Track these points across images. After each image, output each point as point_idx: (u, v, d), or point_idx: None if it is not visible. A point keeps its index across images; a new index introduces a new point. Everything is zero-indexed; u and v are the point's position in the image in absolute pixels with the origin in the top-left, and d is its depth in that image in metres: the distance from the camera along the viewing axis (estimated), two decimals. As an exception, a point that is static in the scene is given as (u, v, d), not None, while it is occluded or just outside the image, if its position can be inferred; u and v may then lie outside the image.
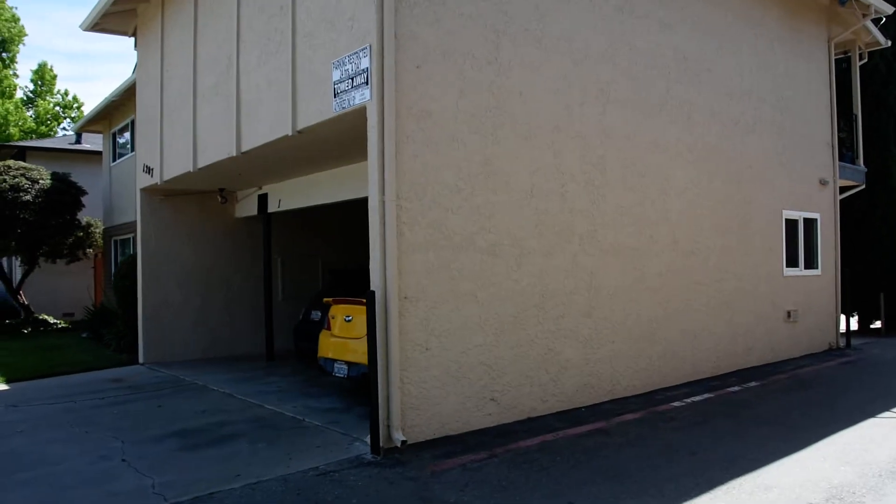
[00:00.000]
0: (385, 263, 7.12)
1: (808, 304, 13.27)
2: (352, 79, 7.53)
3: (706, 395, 9.67)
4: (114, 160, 20.08)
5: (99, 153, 22.09)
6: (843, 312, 14.83)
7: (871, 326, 17.67)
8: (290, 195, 12.57)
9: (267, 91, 9.22)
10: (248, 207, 14.03)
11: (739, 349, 11.49)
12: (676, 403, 9.17)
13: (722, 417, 8.50)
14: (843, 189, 15.20)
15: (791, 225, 12.97)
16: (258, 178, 12.82)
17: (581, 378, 8.87)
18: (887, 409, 8.93)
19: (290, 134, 8.63)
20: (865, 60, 15.95)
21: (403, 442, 7.09)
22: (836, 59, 15.69)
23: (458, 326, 7.66)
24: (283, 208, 12.82)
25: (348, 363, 8.86)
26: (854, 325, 18.02)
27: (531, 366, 8.31)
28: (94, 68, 73.95)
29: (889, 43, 15.60)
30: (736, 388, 10.17)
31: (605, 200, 9.22)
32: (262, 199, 13.42)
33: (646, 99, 9.91)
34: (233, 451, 7.29)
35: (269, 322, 13.53)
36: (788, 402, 9.37)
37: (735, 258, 11.42)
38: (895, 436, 7.64)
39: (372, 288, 7.18)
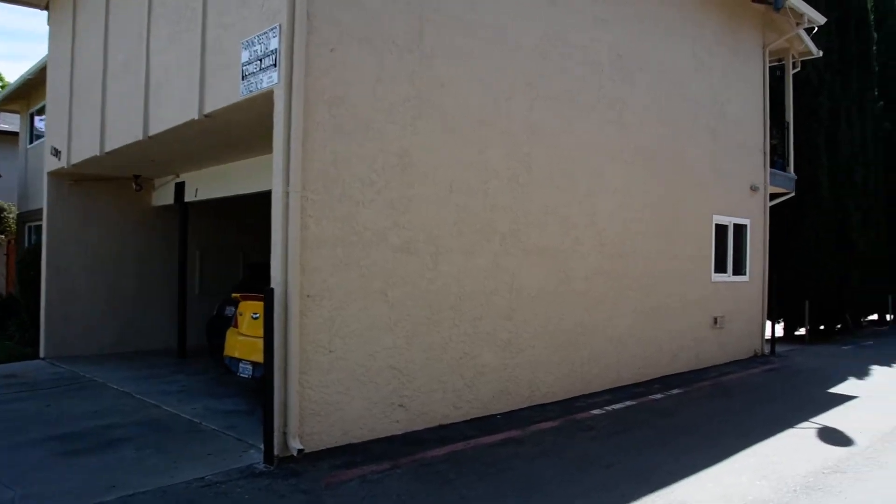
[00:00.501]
0: (287, 259, 6.60)
1: (736, 311, 13.16)
2: (260, 60, 6.98)
3: (628, 403, 9.39)
4: (30, 142, 18.98)
5: (16, 134, 20.89)
6: (769, 319, 14.80)
7: (797, 333, 17.79)
8: (207, 184, 11.90)
9: (176, 71, 8.58)
10: (165, 196, 13.29)
11: (665, 355, 11.27)
12: (597, 411, 8.85)
13: (642, 426, 8.20)
14: (773, 196, 15.17)
15: (721, 230, 12.83)
16: (174, 166, 12.11)
17: (498, 384, 8.48)
18: (806, 419, 8.76)
19: (196, 118, 8.02)
20: (798, 69, 16.00)
21: (300, 451, 6.57)
22: (770, 67, 15.71)
23: (366, 327, 7.18)
24: (200, 198, 12.14)
25: (253, 363, 8.29)
26: (780, 331, 18.14)
27: (444, 370, 7.88)
28: (30, 47, 71.08)
29: (821, 53, 15.66)
30: (659, 396, 9.92)
31: (531, 199, 8.84)
32: (179, 188, 12.71)
33: (577, 96, 9.57)
34: (116, 458, 6.67)
35: (182, 316, 12.81)
36: (710, 411, 9.15)
37: (664, 263, 11.18)
38: (811, 448, 7.45)
39: (272, 285, 6.66)
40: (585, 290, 9.65)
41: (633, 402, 9.42)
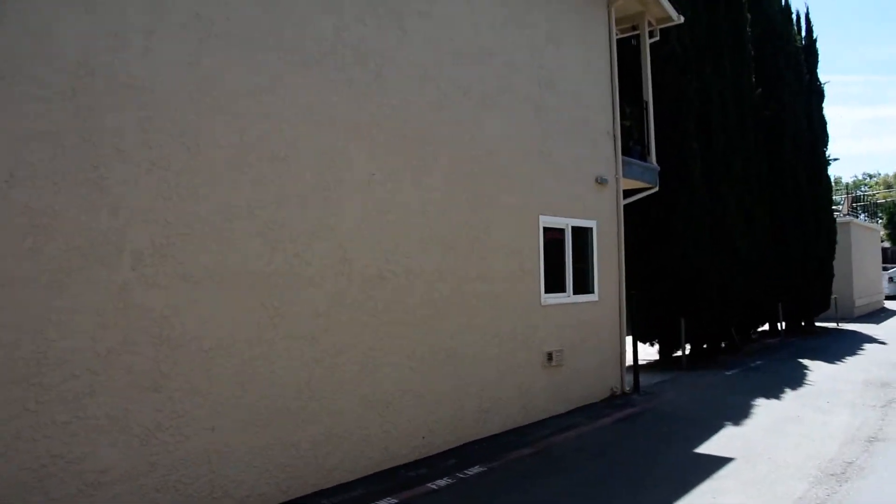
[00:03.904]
0: None
1: (581, 341, 10.26)
2: None
3: (387, 502, 6.25)
4: None
5: None
6: (638, 342, 12.03)
7: (675, 355, 15.18)
8: None
9: None
10: None
11: (469, 414, 8.21)
12: (322, 528, 5.67)
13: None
14: (631, 192, 12.50)
15: (554, 236, 9.92)
16: None
17: (136, 498, 5.17)
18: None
19: None
20: (657, 38, 13.43)
21: None
22: (626, 38, 13.17)
23: None
24: None
25: None
26: (655, 355, 15.53)
27: (9, 488, 4.53)
28: None
29: (681, 18, 13.16)
30: (443, 483, 6.83)
31: (197, 195, 5.62)
32: None
33: (292, 40, 6.44)
34: None
35: None
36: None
37: (462, 283, 8.16)
38: None
39: None
40: (318, 334, 6.48)
41: (394, 501, 6.28)
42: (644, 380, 12.59)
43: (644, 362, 15.20)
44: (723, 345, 16.84)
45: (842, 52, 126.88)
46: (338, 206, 6.73)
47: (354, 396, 6.80)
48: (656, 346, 15.48)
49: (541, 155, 9.63)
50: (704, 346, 16.23)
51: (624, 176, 11.69)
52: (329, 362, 6.57)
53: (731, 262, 15.86)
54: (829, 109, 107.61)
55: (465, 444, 8.10)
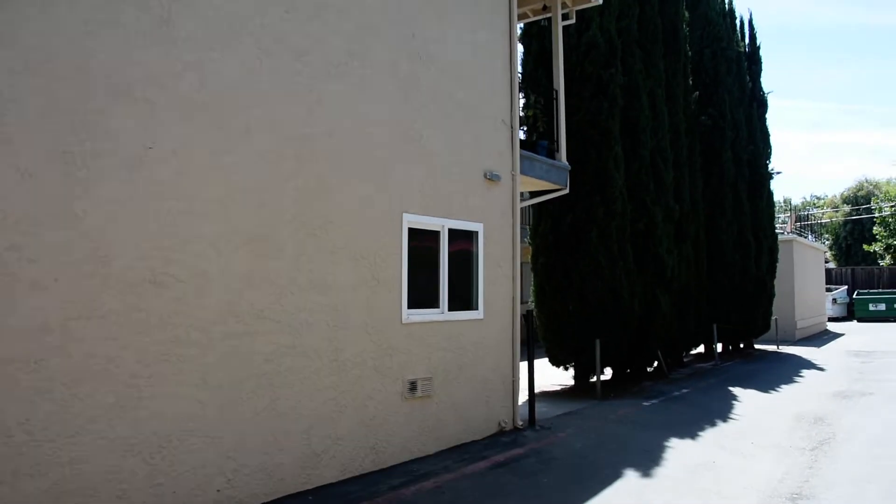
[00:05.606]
0: None
1: (459, 367, 8.85)
2: None
3: (131, 586, 4.72)
4: None
5: None
6: (554, 365, 10.67)
7: (592, 380, 13.87)
8: None
9: None
10: None
11: (292, 459, 6.69)
12: None
13: None
14: (537, 193, 11.19)
15: (426, 240, 8.52)
16: None
17: None
18: None
19: None
20: (573, 21, 12.22)
21: None
22: (539, 21, 11.98)
23: None
24: None
25: None
26: (571, 380, 14.24)
27: None
28: None
29: (601, 0, 11.91)
30: (225, 554, 5.31)
31: None
32: None
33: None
34: None
35: None
36: None
37: (285, 293, 6.67)
38: None
39: None
40: (46, 355, 4.94)
41: (140, 585, 4.75)
42: (549, 410, 11.27)
43: (558, 388, 13.96)
44: (649, 369, 15.65)
45: (802, 78, 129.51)
46: (88, 185, 5.20)
47: (104, 439, 5.24)
48: (572, 371, 14.16)
49: (408, 140, 8.22)
50: (628, 370, 15.01)
51: (525, 174, 10.38)
52: (63, 394, 5.01)
53: (657, 280, 14.68)
54: (784, 134, 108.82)
55: (284, 498, 6.55)
